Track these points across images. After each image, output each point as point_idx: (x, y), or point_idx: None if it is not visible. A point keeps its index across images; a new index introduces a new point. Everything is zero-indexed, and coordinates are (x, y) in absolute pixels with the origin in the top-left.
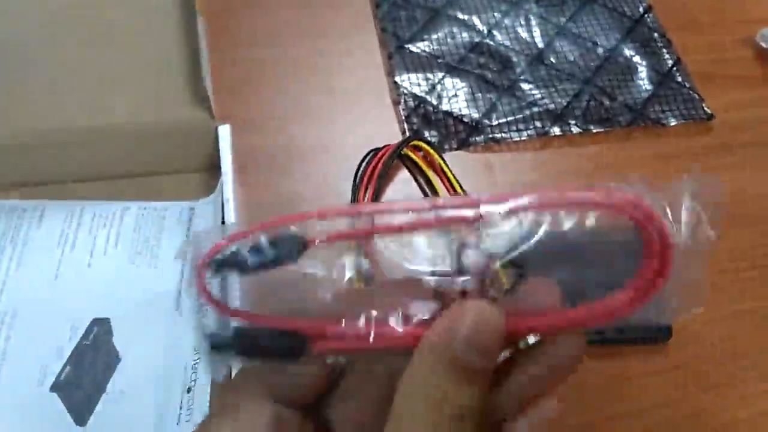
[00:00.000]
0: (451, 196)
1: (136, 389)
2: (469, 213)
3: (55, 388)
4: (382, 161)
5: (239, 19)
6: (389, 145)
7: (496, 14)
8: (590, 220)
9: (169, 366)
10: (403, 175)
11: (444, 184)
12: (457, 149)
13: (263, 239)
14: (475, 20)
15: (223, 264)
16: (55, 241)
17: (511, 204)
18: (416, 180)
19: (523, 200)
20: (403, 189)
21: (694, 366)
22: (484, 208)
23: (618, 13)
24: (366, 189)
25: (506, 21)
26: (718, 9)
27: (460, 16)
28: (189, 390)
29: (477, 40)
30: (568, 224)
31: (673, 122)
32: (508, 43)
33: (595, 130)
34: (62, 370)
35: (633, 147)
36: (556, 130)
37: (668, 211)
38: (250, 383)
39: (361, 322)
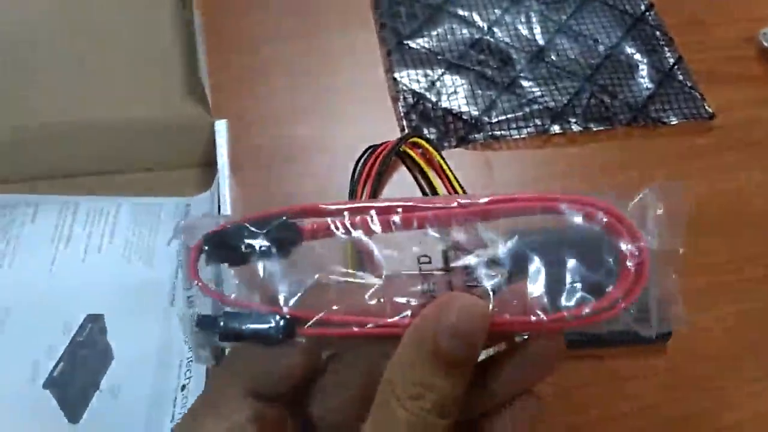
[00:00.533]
0: (438, 197)
1: (130, 386)
2: (457, 214)
3: (48, 384)
4: (380, 158)
5: (238, 14)
6: (388, 141)
7: (496, 11)
8: (569, 223)
9: (164, 363)
10: (402, 172)
11: (443, 181)
12: (456, 147)
13: (257, 229)
14: (476, 17)
15: (216, 249)
16: (49, 237)
17: (491, 207)
18: (415, 177)
19: (504, 205)
20: (401, 186)
21: (692, 366)
22: (467, 211)
23: (619, 10)
24: (364, 186)
25: (507, 18)
26: (721, 7)
27: (461, 12)
28: (183, 387)
29: (477, 36)
30: (547, 226)
31: (674, 121)
32: (508, 40)
33: (595, 129)
34: (56, 367)
35: (633, 145)
36: (556, 128)
37: (636, 220)
38: (230, 380)
39: (350, 309)
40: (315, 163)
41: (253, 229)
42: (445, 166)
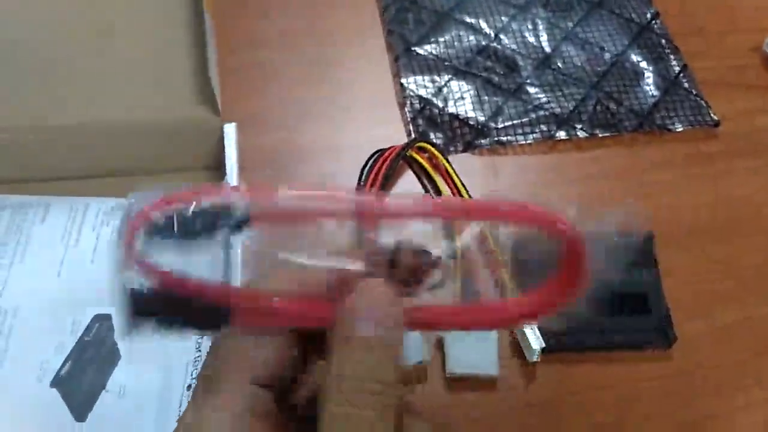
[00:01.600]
0: (395, 194)
1: (137, 386)
2: (412, 211)
3: (55, 383)
4: (387, 162)
5: (248, 19)
6: (395, 146)
7: (503, 18)
8: (516, 230)
9: (170, 363)
10: (408, 176)
11: (449, 186)
12: (462, 152)
13: (203, 208)
14: (483, 24)
15: (158, 224)
16: (58, 237)
17: (441, 211)
18: (421, 182)
19: (457, 208)
20: (407, 190)
21: (698, 372)
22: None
23: (625, 19)
24: (371, 189)
25: (513, 25)
26: (727, 17)
27: (468, 19)
28: (190, 387)
29: (484, 43)
30: (495, 231)
31: (679, 128)
32: (514, 47)
33: (601, 135)
34: (63, 366)
35: (639, 152)
36: (562, 134)
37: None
38: (231, 364)
39: (291, 295)
40: (322, 166)
41: (198, 209)
42: (451, 171)
